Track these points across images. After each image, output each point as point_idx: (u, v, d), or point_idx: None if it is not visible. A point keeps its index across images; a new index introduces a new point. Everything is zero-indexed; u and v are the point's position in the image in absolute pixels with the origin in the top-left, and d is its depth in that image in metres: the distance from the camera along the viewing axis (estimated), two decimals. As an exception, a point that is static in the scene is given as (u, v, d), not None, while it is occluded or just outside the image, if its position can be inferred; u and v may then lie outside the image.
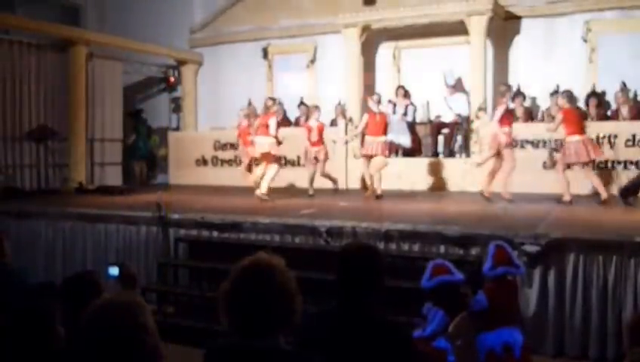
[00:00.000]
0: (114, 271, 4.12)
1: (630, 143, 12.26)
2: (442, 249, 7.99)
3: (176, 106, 19.04)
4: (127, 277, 4.47)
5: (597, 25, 14.09)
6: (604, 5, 14.00)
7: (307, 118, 13.96)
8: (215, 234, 9.56)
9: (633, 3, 13.73)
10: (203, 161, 16.41)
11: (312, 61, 17.07)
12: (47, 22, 15.40)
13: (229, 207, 10.91)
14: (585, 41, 14.21)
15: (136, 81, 18.99)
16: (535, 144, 12.91)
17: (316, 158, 12.79)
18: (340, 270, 3.33)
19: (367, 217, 9.34)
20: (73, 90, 15.32)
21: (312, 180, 12.78)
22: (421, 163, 13.92)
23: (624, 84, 13.15)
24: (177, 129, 18.65)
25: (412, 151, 14.29)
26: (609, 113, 13.48)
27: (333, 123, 15.16)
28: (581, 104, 13.53)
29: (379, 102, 12.35)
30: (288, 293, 2.61)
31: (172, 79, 18.77)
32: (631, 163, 12.21)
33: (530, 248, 7.43)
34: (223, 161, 16.14)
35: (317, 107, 13.34)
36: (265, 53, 17.64)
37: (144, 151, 17.62)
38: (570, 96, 11.06)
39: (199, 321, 8.20)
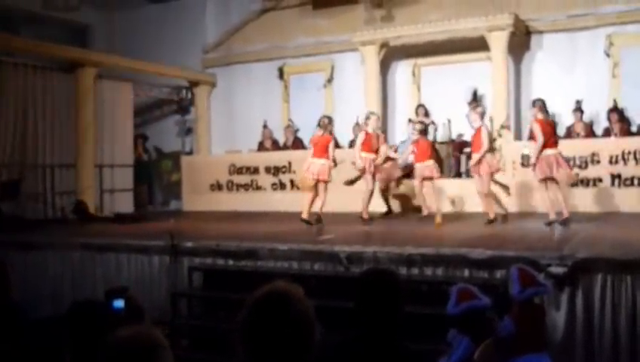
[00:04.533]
0: (119, 303, 4.07)
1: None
2: (466, 273, 7.99)
3: (189, 129, 19.12)
4: (133, 310, 4.43)
5: (619, 38, 14.17)
6: (627, 19, 14.08)
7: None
8: (231, 262, 9.50)
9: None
10: (218, 186, 16.41)
11: (329, 80, 17.18)
12: (54, 43, 15.43)
13: (245, 234, 10.88)
14: (607, 55, 14.26)
15: (146, 103, 19.14)
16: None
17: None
18: (359, 297, 3.39)
19: (388, 241, 9.36)
20: (81, 114, 15.28)
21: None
22: (443, 184, 13.92)
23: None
24: (190, 153, 18.71)
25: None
26: (634, 129, 13.49)
27: (352, 144, 15.21)
28: (603, 119, 13.61)
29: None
30: (306, 323, 2.63)
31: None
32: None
33: (557, 269, 7.42)
34: (238, 186, 16.15)
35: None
36: (280, 73, 17.77)
37: (146, 176, 17.72)
38: (543, 106, 10.96)
39: (215, 354, 8.17)
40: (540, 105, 10.91)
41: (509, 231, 10.49)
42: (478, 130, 11.20)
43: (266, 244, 9.43)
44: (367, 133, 11.97)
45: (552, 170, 10.50)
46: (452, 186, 13.77)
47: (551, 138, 10.66)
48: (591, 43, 14.39)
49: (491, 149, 11.30)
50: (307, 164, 11.90)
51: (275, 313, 2.60)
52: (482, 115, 11.54)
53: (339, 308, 6.02)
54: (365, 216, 11.85)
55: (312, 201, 11.83)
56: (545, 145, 10.52)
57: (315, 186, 11.85)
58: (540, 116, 10.79)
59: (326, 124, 12.13)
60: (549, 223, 10.45)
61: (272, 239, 9.96)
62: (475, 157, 11.12)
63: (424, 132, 12.44)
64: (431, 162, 11.87)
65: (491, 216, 10.99)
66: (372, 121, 12.21)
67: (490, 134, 11.57)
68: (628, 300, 7.17)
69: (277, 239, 9.92)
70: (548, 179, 10.61)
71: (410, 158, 12.40)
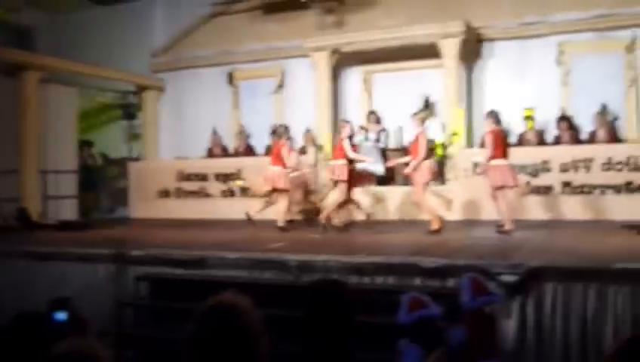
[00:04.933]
0: (61, 315, 3.97)
1: (607, 167, 12.46)
2: (418, 281, 8.00)
3: (136, 135, 18.90)
4: (76, 321, 4.33)
5: (571, 47, 14.36)
6: (578, 27, 14.27)
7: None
8: (179, 271, 9.38)
9: (607, 24, 14.01)
10: (166, 193, 16.28)
11: (280, 86, 17.11)
12: (-4, 45, 15.07)
13: (193, 242, 10.83)
14: (558, 63, 14.44)
15: (92, 108, 18.86)
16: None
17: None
18: (309, 307, 3.35)
19: (339, 250, 9.34)
20: (24, 118, 15.02)
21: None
22: (395, 191, 13.97)
23: (604, 107, 13.41)
24: (137, 159, 18.45)
25: (386, 179, 14.33)
26: (585, 136, 13.68)
27: (303, 150, 15.20)
28: (553, 127, 13.78)
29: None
30: (254, 335, 2.61)
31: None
32: (607, 187, 12.41)
33: (508, 278, 7.46)
34: (187, 193, 16.05)
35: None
36: (230, 78, 17.63)
37: (91, 182, 17.50)
38: (496, 117, 11.21)
39: (162, 365, 8.09)
40: (494, 117, 11.13)
41: (460, 239, 10.53)
42: (417, 137, 11.25)
43: (215, 253, 9.36)
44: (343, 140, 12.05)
45: (501, 179, 10.67)
46: (404, 194, 13.80)
47: (502, 149, 10.82)
48: (542, 51, 14.55)
49: (429, 157, 11.34)
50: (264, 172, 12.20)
51: (223, 325, 2.58)
52: (423, 122, 11.57)
53: (289, 318, 5.96)
54: (330, 222, 11.96)
55: (287, 208, 12.06)
56: (495, 156, 10.71)
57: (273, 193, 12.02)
58: (493, 127, 10.98)
59: (281, 132, 12.22)
60: (501, 231, 10.58)
61: (221, 247, 9.90)
62: (413, 164, 11.15)
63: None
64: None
65: (435, 225, 11.00)
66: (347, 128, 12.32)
67: (428, 142, 11.75)
68: (578, 308, 7.22)
69: (226, 247, 9.85)
70: (498, 189, 10.76)
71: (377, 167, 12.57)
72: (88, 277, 9.95)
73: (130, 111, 18.87)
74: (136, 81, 18.25)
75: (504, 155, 10.82)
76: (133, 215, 16.63)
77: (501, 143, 10.91)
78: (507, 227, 10.56)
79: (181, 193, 16.13)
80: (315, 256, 8.71)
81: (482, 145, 11.69)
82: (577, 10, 14.32)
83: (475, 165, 12.51)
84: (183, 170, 16.17)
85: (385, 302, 7.47)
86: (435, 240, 10.40)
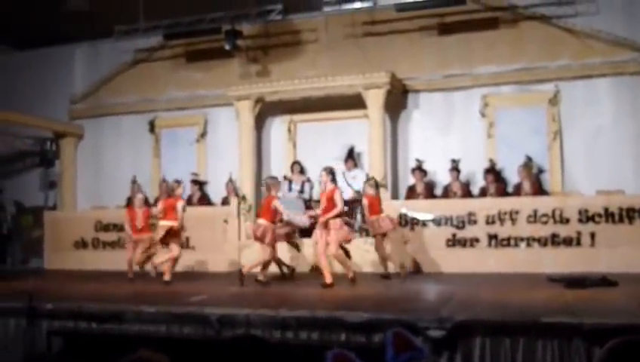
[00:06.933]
0: None
1: (532, 219, 12.60)
2: (343, 336, 7.87)
3: (53, 183, 18.43)
4: None
5: (494, 99, 14.63)
6: (501, 80, 14.61)
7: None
8: (94, 325, 9.05)
9: (530, 78, 14.36)
10: (83, 244, 15.90)
11: (203, 135, 16.94)
12: None
13: (110, 295, 10.54)
14: (483, 115, 14.66)
15: (7, 154, 18.40)
16: (437, 221, 13.12)
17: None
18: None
19: (261, 304, 9.15)
20: None
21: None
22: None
23: (529, 159, 13.62)
24: (54, 208, 18.00)
25: (309, 231, 14.18)
26: (510, 189, 13.85)
27: (225, 201, 15.04)
28: (479, 179, 13.93)
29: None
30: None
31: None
32: (533, 239, 12.53)
33: (435, 333, 7.39)
34: (105, 244, 15.68)
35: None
36: (151, 126, 17.42)
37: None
38: (375, 185, 12.29)
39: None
40: (373, 183, 12.34)
41: (386, 292, 10.46)
42: (330, 192, 11.17)
43: (132, 306, 9.07)
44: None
45: (382, 227, 11.95)
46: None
47: (377, 208, 12.08)
48: (466, 103, 14.79)
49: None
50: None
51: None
52: (333, 176, 11.49)
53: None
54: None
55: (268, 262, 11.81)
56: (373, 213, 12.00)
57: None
58: (371, 192, 12.15)
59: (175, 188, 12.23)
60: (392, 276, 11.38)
61: (138, 301, 9.62)
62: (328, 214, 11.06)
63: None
64: None
65: (328, 280, 10.89)
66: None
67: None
68: (507, 363, 7.19)
69: (144, 301, 9.57)
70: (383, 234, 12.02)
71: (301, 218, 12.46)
72: (-3, 332, 9.57)
73: (47, 158, 18.42)
74: (54, 127, 17.85)
75: (380, 211, 12.10)
76: (48, 266, 16.16)
77: (378, 203, 12.19)
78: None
79: (99, 244, 15.75)
80: (236, 310, 8.51)
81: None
82: (500, 64, 14.63)
83: (400, 216, 12.66)
84: (101, 219, 15.83)
85: (308, 358, 7.33)
86: (361, 294, 10.31)
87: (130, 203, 13.82)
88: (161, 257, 12.47)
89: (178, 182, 12.52)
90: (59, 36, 17.37)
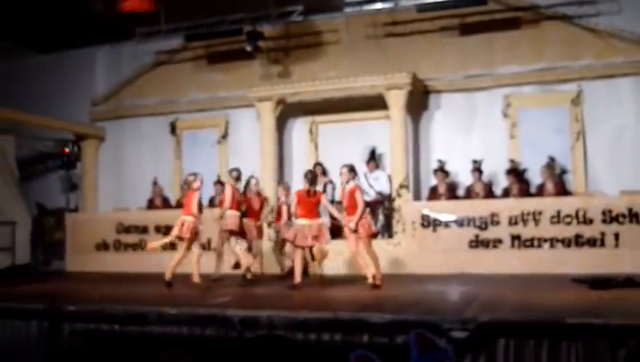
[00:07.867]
0: None
1: (555, 220, 12.55)
2: (366, 338, 7.85)
3: (74, 185, 18.53)
4: None
5: (517, 99, 14.58)
6: (523, 80, 14.57)
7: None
8: (116, 327, 9.03)
9: (552, 78, 14.30)
10: (104, 246, 15.99)
11: (224, 136, 16.99)
12: None
13: (132, 297, 10.62)
14: (505, 115, 14.61)
15: (29, 157, 18.54)
16: (459, 222, 13.09)
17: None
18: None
19: (284, 305, 9.16)
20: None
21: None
22: (341, 245, 13.80)
23: (552, 159, 13.55)
24: (75, 210, 18.13)
25: (332, 233, 14.16)
26: (533, 189, 13.78)
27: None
28: (502, 179, 13.87)
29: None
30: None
31: (66, 150, 18.25)
32: (557, 240, 12.48)
33: (458, 334, 7.36)
34: (126, 246, 15.76)
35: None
36: (173, 128, 17.49)
37: None
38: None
39: None
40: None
41: (410, 293, 10.43)
42: (351, 191, 11.15)
43: (155, 308, 9.08)
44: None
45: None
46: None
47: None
48: (488, 103, 14.75)
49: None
50: None
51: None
52: (354, 173, 11.46)
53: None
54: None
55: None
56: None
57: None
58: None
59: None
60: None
61: (161, 302, 9.63)
62: (354, 220, 11.00)
63: None
64: None
65: (371, 278, 10.85)
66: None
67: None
68: (532, 364, 7.15)
69: (166, 302, 9.58)
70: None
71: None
72: (20, 334, 9.58)
73: (69, 161, 18.50)
74: (75, 129, 17.98)
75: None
76: (70, 268, 16.27)
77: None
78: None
79: (120, 246, 15.83)
80: (259, 312, 8.52)
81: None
82: (522, 64, 14.59)
83: (423, 217, 12.59)
84: (123, 221, 15.91)
85: (331, 359, 7.33)
86: (384, 294, 10.28)
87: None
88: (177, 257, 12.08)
89: (194, 174, 12.17)
90: (80, 39, 17.49)
